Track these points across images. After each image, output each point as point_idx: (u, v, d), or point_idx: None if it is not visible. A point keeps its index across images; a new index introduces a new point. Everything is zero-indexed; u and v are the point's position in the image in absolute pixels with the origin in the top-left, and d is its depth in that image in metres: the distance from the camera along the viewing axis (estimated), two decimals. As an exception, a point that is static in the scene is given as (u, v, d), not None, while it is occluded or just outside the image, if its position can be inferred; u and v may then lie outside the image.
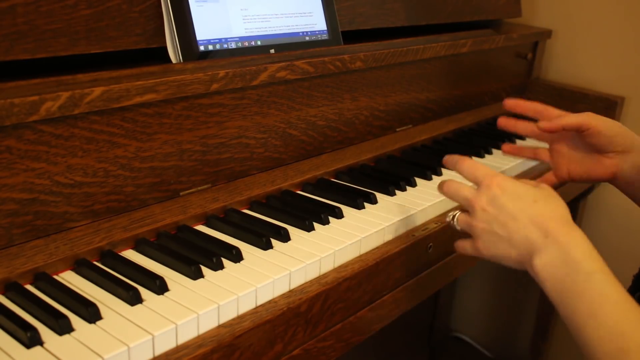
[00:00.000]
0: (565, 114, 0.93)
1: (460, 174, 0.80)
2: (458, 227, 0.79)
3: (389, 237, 0.88)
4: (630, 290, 0.92)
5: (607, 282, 0.65)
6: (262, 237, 0.79)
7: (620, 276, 0.95)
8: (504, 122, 1.00)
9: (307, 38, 1.05)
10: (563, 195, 1.22)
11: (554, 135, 0.97)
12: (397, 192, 0.99)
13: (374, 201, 0.95)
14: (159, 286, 0.68)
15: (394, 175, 1.04)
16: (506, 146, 1.05)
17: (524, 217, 0.71)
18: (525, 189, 0.73)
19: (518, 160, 1.20)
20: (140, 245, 0.77)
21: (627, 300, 0.64)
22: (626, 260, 1.07)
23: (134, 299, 0.66)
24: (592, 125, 0.89)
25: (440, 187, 0.81)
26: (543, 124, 0.92)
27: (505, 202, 0.72)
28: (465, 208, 0.78)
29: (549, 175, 0.99)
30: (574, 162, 0.95)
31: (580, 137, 0.93)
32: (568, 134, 0.95)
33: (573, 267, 0.66)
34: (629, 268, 0.93)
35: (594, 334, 0.63)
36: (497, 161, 1.19)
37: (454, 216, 0.79)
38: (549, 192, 0.75)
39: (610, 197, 1.60)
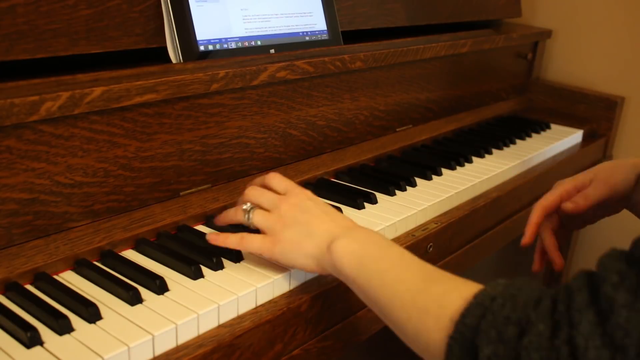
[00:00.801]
0: (586, 193, 0.90)
1: (266, 184, 0.78)
2: (252, 224, 0.74)
3: (388, 237, 0.88)
4: None
5: (406, 251, 0.67)
6: (262, 237, 0.79)
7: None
8: (539, 267, 0.98)
9: (307, 38, 1.05)
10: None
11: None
12: (397, 192, 0.99)
13: (374, 201, 0.95)
14: (159, 286, 0.68)
15: (394, 175, 1.04)
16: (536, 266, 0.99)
17: (328, 218, 0.72)
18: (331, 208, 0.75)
19: (517, 161, 1.20)
20: (140, 245, 0.77)
21: (425, 261, 0.65)
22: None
23: (134, 299, 0.66)
24: (618, 193, 0.89)
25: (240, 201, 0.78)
26: (570, 205, 0.89)
27: (311, 206, 0.73)
28: (261, 206, 0.75)
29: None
30: (600, 211, 0.94)
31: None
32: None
33: (374, 241, 0.68)
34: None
35: (395, 277, 0.63)
36: (497, 161, 1.19)
37: (249, 209, 0.75)
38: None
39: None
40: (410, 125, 1.27)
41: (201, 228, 0.84)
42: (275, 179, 0.78)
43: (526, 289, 0.54)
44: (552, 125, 1.48)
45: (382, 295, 0.63)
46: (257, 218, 0.74)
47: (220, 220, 0.79)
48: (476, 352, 0.52)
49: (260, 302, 0.71)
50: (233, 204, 0.87)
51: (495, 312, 0.52)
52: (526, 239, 0.90)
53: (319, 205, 0.74)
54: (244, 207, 0.75)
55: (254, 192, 0.76)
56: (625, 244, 0.53)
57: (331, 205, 0.90)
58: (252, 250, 0.73)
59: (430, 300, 0.59)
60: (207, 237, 0.75)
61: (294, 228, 0.71)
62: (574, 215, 0.90)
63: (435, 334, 0.57)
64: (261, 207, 0.75)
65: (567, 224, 0.94)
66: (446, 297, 0.57)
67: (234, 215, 0.76)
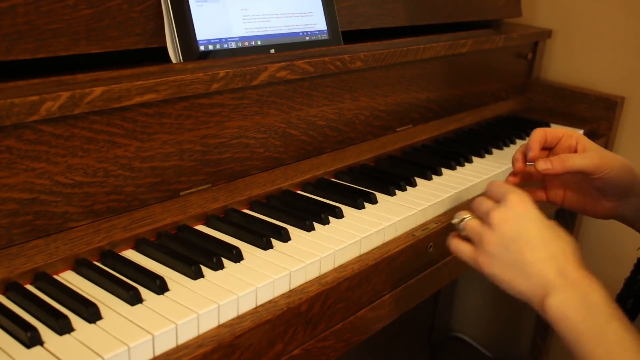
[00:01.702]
0: (571, 155, 0.84)
1: (487, 194, 0.76)
2: (463, 232, 0.75)
3: (389, 237, 0.88)
4: (621, 294, 0.91)
5: (625, 328, 0.62)
6: (262, 237, 0.79)
7: (616, 278, 0.95)
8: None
9: (307, 38, 1.05)
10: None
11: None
12: (397, 192, 0.99)
13: (374, 201, 0.95)
14: (159, 286, 0.68)
15: (394, 175, 1.04)
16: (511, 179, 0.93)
17: (544, 251, 0.67)
18: (549, 221, 0.69)
19: (518, 160, 1.20)
20: (140, 245, 0.77)
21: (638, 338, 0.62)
22: (622, 262, 1.07)
23: (134, 299, 0.66)
24: (604, 174, 0.82)
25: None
26: (543, 165, 0.83)
27: (528, 226, 0.68)
28: (478, 214, 0.74)
29: (539, 192, 0.91)
30: (571, 193, 0.89)
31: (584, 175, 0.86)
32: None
33: (593, 310, 0.63)
34: (625, 269, 0.93)
35: None
36: (497, 161, 1.19)
37: (463, 219, 0.75)
38: (563, 231, 0.71)
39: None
40: (411, 125, 1.27)
41: (201, 228, 0.84)
42: (492, 185, 0.75)
43: None
44: (552, 125, 1.48)
45: None
46: (470, 232, 0.73)
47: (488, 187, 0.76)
48: None
49: (260, 302, 0.71)
50: (233, 204, 0.88)
51: None
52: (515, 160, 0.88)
53: (537, 228, 0.69)
54: (454, 219, 0.76)
55: (492, 189, 0.75)
56: (621, 246, 0.54)
57: (331, 205, 0.91)
58: (461, 257, 0.74)
59: None
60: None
61: (504, 259, 0.68)
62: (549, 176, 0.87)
63: None
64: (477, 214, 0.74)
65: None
66: None
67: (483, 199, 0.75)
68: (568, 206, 0.90)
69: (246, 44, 0.96)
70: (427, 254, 0.91)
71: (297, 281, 0.75)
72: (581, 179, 0.87)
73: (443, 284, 1.01)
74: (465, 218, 0.75)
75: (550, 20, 1.65)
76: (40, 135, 0.70)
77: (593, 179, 0.83)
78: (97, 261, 0.74)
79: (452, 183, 1.05)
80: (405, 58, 1.16)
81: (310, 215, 0.87)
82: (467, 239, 0.75)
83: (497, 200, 0.73)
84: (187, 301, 0.66)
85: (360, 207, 0.92)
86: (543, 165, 0.83)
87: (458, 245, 0.75)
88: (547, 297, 0.65)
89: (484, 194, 0.77)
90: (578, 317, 0.63)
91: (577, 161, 0.82)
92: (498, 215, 0.70)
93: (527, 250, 0.67)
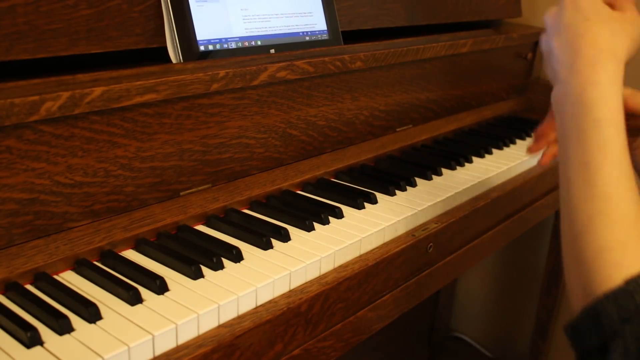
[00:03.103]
0: None
1: None
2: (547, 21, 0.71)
3: (389, 237, 0.88)
4: None
5: (613, 136, 0.58)
6: (263, 237, 0.79)
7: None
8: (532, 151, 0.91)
9: (307, 38, 1.05)
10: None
11: None
12: (397, 192, 0.99)
13: (374, 201, 0.95)
14: (159, 286, 0.68)
15: (394, 175, 1.04)
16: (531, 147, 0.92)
17: (569, 34, 0.64)
18: (594, 5, 0.66)
19: (517, 161, 1.20)
20: (140, 245, 0.77)
21: (625, 163, 0.58)
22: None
23: (134, 299, 0.66)
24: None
25: None
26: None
27: (565, 13, 0.66)
28: None
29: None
30: None
31: None
32: None
33: (583, 109, 0.59)
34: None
35: (578, 189, 0.57)
36: (497, 161, 1.19)
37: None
38: (618, 16, 0.65)
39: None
40: (410, 125, 1.27)
41: (201, 228, 0.84)
42: None
43: None
44: (552, 125, 1.48)
45: (573, 187, 0.58)
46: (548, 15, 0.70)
47: None
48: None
49: (260, 302, 0.71)
50: (233, 204, 0.88)
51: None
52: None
53: (585, 8, 0.65)
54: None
55: None
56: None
57: (331, 205, 0.91)
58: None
59: (613, 241, 0.53)
60: None
61: (554, 32, 0.66)
62: None
63: (601, 274, 0.53)
64: None
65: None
66: (625, 254, 0.52)
67: None
68: None
69: (246, 44, 0.96)
70: (427, 254, 0.91)
71: (297, 281, 0.75)
72: None
73: (443, 284, 1.01)
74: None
75: (550, 20, 1.65)
76: (40, 135, 0.70)
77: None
78: (97, 261, 0.74)
79: (452, 183, 1.05)
80: (405, 58, 1.16)
81: (310, 215, 0.87)
82: None
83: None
84: (187, 301, 0.66)
85: (360, 207, 0.92)
86: None
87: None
88: (554, 84, 0.64)
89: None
90: (567, 113, 0.61)
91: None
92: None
93: (562, 30, 0.65)
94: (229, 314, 0.67)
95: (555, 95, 0.64)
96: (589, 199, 0.57)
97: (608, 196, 0.56)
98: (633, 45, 0.65)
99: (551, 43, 0.67)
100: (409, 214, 0.92)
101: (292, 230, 0.83)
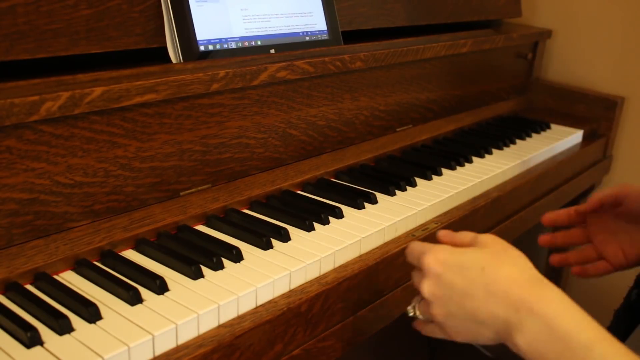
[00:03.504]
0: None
1: (408, 260, 0.71)
2: (423, 318, 0.70)
3: (389, 237, 0.88)
4: (632, 288, 0.92)
5: (611, 351, 0.56)
6: (262, 237, 0.79)
7: (620, 275, 0.95)
8: (544, 241, 0.94)
9: (307, 38, 1.05)
10: (561, 196, 1.21)
11: (593, 225, 0.91)
12: (397, 192, 0.99)
13: (374, 201, 0.95)
14: (159, 286, 0.68)
15: (394, 175, 1.04)
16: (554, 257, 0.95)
17: (479, 292, 0.62)
18: (468, 256, 0.64)
19: (517, 161, 1.20)
20: (140, 245, 0.77)
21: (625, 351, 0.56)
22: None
23: (134, 299, 0.66)
24: (628, 192, 0.84)
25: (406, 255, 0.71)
26: (580, 206, 0.88)
27: (451, 279, 0.63)
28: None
29: (601, 264, 0.91)
30: (626, 243, 0.89)
31: (618, 213, 0.88)
32: (607, 217, 0.90)
33: (566, 342, 0.56)
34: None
35: None
36: (497, 161, 1.19)
37: (414, 307, 0.70)
38: (495, 249, 0.65)
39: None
40: (410, 125, 1.27)
41: (201, 228, 0.84)
42: (406, 252, 0.71)
43: None
44: (552, 125, 1.48)
45: None
46: (424, 316, 0.69)
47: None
48: None
49: (260, 302, 0.71)
50: (233, 204, 0.88)
51: None
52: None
53: (458, 275, 0.64)
54: (409, 307, 0.71)
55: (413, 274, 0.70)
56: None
57: (331, 205, 0.91)
58: (439, 336, 0.68)
59: None
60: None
61: (456, 320, 0.64)
62: (604, 232, 0.88)
63: None
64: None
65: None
66: None
67: (412, 275, 0.71)
68: (632, 258, 0.88)
69: (246, 44, 0.96)
70: (427, 254, 0.91)
71: (297, 281, 0.75)
72: (620, 222, 0.88)
73: (443, 284, 1.01)
74: (414, 306, 0.71)
75: (550, 20, 1.65)
76: (40, 135, 0.70)
77: (625, 206, 0.86)
78: (97, 261, 0.74)
79: (452, 183, 1.05)
80: (405, 58, 1.16)
81: (310, 215, 0.87)
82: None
83: (418, 268, 0.69)
84: (187, 301, 0.66)
85: (360, 207, 0.92)
86: (579, 207, 0.87)
87: (428, 330, 0.70)
88: (513, 339, 0.60)
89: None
90: (553, 353, 0.57)
91: (596, 194, 0.86)
92: (425, 289, 0.66)
93: (465, 301, 0.63)
94: (229, 314, 0.67)
95: (520, 345, 0.59)
96: None
97: None
98: (529, 261, 0.64)
99: (453, 310, 0.64)
100: (409, 214, 0.92)
101: (292, 230, 0.83)
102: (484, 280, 0.62)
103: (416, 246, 0.69)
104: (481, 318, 0.62)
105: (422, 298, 0.68)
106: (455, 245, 0.68)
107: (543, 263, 1.70)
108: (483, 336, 0.64)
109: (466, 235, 0.69)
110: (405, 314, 0.72)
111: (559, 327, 0.57)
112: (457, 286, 0.63)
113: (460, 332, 0.65)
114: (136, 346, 0.59)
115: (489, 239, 0.66)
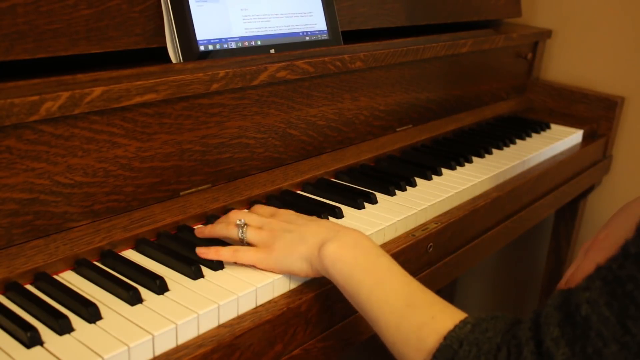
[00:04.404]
0: None
1: (216, 235, 0.77)
2: (246, 239, 0.75)
3: (389, 237, 0.88)
4: None
5: (393, 262, 0.69)
6: (262, 237, 0.79)
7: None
8: None
9: (307, 38, 1.05)
10: (561, 196, 1.21)
11: None
12: (397, 192, 0.99)
13: (374, 201, 0.95)
14: (159, 286, 0.68)
15: (394, 175, 1.04)
16: None
17: (315, 224, 0.74)
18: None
19: (517, 161, 1.20)
20: (140, 245, 0.77)
21: (410, 277, 0.68)
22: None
23: (134, 299, 0.66)
24: None
25: (201, 232, 0.78)
26: None
27: (299, 217, 0.77)
28: (254, 225, 0.76)
29: None
30: None
31: None
32: None
33: (363, 249, 0.69)
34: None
35: (381, 296, 0.65)
36: (497, 161, 1.19)
37: (243, 225, 0.75)
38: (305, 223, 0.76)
39: (611, 197, 1.60)
40: (410, 125, 1.27)
41: (201, 228, 0.84)
42: (260, 207, 0.82)
43: (491, 331, 0.58)
44: (552, 125, 1.48)
45: (369, 310, 0.66)
46: (251, 233, 0.75)
47: (207, 234, 0.78)
48: None
49: (260, 302, 0.71)
50: (233, 204, 0.88)
51: (460, 358, 0.57)
52: None
53: (306, 217, 0.77)
54: (238, 222, 0.76)
55: (240, 214, 0.78)
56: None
57: (331, 205, 0.91)
58: (247, 261, 0.74)
59: (410, 330, 0.63)
60: (197, 251, 0.74)
61: (286, 236, 0.73)
62: None
63: (424, 344, 0.61)
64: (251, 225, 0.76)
65: None
66: (424, 330, 0.62)
67: (225, 230, 0.76)
68: None
69: (246, 44, 0.96)
70: (427, 254, 0.91)
71: (298, 281, 0.75)
72: None
73: (443, 284, 1.01)
74: (243, 226, 0.76)
75: (550, 20, 1.65)
76: (40, 135, 0.70)
77: None
78: (97, 261, 0.74)
79: (452, 183, 1.05)
80: (405, 58, 1.16)
81: (310, 215, 0.86)
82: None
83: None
84: (187, 301, 0.66)
85: (360, 207, 0.92)
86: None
87: (242, 251, 0.74)
88: (322, 248, 0.70)
89: (234, 211, 0.81)
90: (350, 255, 0.69)
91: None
92: (276, 220, 0.76)
93: (303, 227, 0.74)
94: (229, 314, 0.67)
95: (329, 249, 0.70)
96: (393, 304, 0.65)
97: (405, 295, 0.65)
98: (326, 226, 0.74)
99: (294, 231, 0.74)
100: (409, 214, 0.92)
101: (292, 230, 0.83)
102: (317, 222, 0.75)
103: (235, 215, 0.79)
104: (307, 237, 0.72)
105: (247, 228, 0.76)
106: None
107: (543, 263, 1.70)
108: (297, 255, 0.72)
109: None
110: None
111: (362, 242, 0.70)
112: (299, 219, 0.76)
113: (279, 251, 0.73)
114: (136, 346, 0.59)
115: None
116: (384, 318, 0.65)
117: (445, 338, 0.59)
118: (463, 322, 0.60)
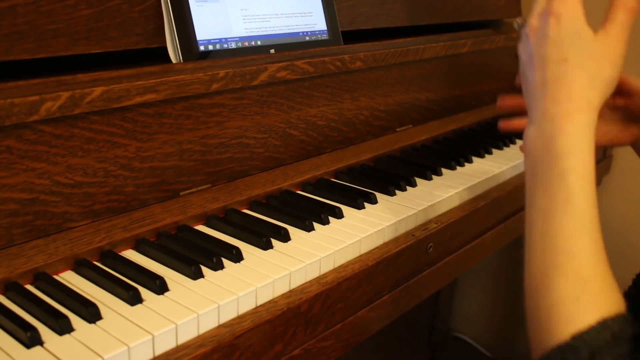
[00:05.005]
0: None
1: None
2: (521, 31, 0.70)
3: (389, 237, 0.88)
4: (630, 290, 0.91)
5: (578, 189, 0.57)
6: (262, 237, 0.79)
7: (617, 276, 0.94)
8: (504, 126, 0.91)
9: (307, 38, 1.05)
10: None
11: None
12: (397, 192, 0.99)
13: (374, 201, 0.95)
14: (159, 286, 0.68)
15: (394, 175, 1.04)
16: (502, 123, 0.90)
17: (549, 69, 0.63)
18: (584, 33, 0.65)
19: (518, 161, 1.20)
20: (140, 245, 0.77)
21: (589, 216, 0.56)
22: (626, 258, 1.07)
23: (134, 299, 0.66)
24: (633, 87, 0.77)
25: None
26: None
27: (546, 42, 0.65)
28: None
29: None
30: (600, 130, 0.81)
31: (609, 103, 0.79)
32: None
33: (552, 157, 0.59)
34: (632, 265, 0.93)
35: (539, 238, 0.57)
36: (498, 161, 1.19)
37: (521, 23, 0.71)
38: (603, 50, 0.64)
39: (611, 198, 1.60)
40: (410, 125, 1.27)
41: (201, 228, 0.84)
42: None
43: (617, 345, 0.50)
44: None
45: (535, 235, 0.57)
46: (529, 25, 0.69)
47: None
48: None
49: (260, 302, 0.71)
50: (233, 204, 0.88)
51: None
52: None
53: (557, 46, 0.64)
54: (518, 19, 0.73)
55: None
56: (623, 242, 0.53)
57: (331, 205, 0.91)
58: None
59: (566, 296, 0.53)
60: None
61: (531, 63, 0.65)
62: None
63: (553, 328, 0.54)
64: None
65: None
66: (558, 310, 0.54)
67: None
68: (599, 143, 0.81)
69: (246, 44, 0.96)
70: (427, 254, 0.91)
71: (297, 281, 0.75)
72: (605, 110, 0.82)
73: (443, 284, 1.01)
74: (522, 23, 0.72)
75: (550, 20, 1.64)
76: (40, 135, 0.70)
77: (624, 98, 0.80)
78: (97, 261, 0.74)
79: (452, 183, 1.05)
80: (405, 58, 1.16)
81: (310, 215, 0.87)
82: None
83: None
84: (187, 301, 0.66)
85: (360, 207, 0.92)
86: None
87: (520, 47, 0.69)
88: (532, 123, 0.63)
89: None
90: (537, 159, 0.60)
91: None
92: (534, 22, 0.68)
93: (541, 67, 0.64)
94: (229, 314, 0.67)
95: (527, 136, 0.63)
96: (547, 250, 0.56)
97: (566, 249, 0.55)
98: (607, 91, 0.64)
99: (526, 66, 0.66)
100: (409, 214, 0.92)
101: (292, 230, 0.83)
102: (560, 68, 0.63)
103: None
104: (530, 80, 0.64)
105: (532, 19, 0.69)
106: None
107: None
108: (526, 87, 0.65)
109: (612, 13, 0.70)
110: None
111: (556, 143, 0.59)
112: (544, 52, 0.65)
113: (529, 68, 0.65)
114: (136, 346, 0.59)
115: (612, 29, 0.67)
116: (548, 261, 0.55)
117: (575, 337, 0.51)
118: (603, 325, 0.51)
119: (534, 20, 0.68)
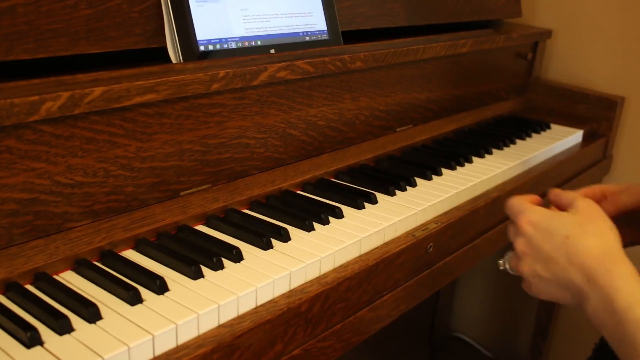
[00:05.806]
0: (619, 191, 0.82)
1: (505, 211, 0.77)
2: (512, 273, 0.77)
3: (389, 237, 0.88)
4: None
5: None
6: (263, 237, 0.79)
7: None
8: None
9: (307, 38, 1.05)
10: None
11: None
12: (397, 192, 0.99)
13: (374, 201, 0.95)
14: (159, 286, 0.68)
15: (394, 175, 1.04)
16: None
17: (561, 258, 0.67)
18: (557, 221, 0.69)
19: (518, 161, 1.20)
20: (140, 245, 0.77)
21: None
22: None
23: (134, 299, 0.66)
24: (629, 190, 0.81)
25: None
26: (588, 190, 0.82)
27: (538, 243, 0.70)
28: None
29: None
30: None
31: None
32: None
33: (620, 316, 0.61)
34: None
35: None
36: (498, 161, 1.19)
37: (505, 261, 0.78)
38: (584, 217, 0.69)
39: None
40: (410, 125, 1.27)
41: (201, 228, 0.84)
42: (505, 206, 0.76)
43: None
44: (552, 125, 1.48)
45: None
46: (513, 270, 0.76)
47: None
48: None
49: (260, 302, 0.71)
50: (233, 204, 0.88)
51: None
52: None
53: (545, 240, 0.69)
54: (500, 261, 0.79)
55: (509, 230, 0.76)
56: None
57: (331, 205, 0.91)
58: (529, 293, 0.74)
59: None
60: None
61: (541, 280, 0.70)
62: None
63: None
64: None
65: None
66: None
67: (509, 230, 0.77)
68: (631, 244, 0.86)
69: (246, 44, 0.96)
70: (427, 254, 0.91)
71: (297, 281, 0.75)
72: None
73: (443, 284, 1.01)
74: (506, 259, 0.78)
75: (550, 20, 1.65)
76: (40, 135, 0.70)
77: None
78: (97, 261, 0.74)
79: (452, 183, 1.05)
80: (405, 58, 1.16)
81: (310, 215, 0.87)
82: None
83: (512, 220, 0.75)
84: (187, 301, 0.66)
85: (360, 207, 0.92)
86: None
87: (523, 285, 0.75)
88: (584, 306, 0.66)
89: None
90: (610, 325, 0.62)
91: (622, 202, 0.81)
92: (518, 245, 0.73)
93: (549, 265, 0.69)
94: (229, 314, 0.67)
95: (591, 313, 0.65)
96: None
97: None
98: (616, 234, 0.68)
99: (539, 270, 0.70)
100: (409, 214, 0.92)
101: (292, 230, 0.83)
102: (566, 249, 0.67)
103: (515, 202, 0.74)
104: (562, 283, 0.68)
105: (514, 252, 0.74)
106: (557, 203, 0.75)
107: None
108: (563, 299, 0.69)
109: (567, 196, 0.74)
110: (497, 266, 0.80)
111: (617, 302, 0.62)
112: (543, 250, 0.69)
113: (543, 292, 0.71)
114: (136, 346, 0.59)
115: (583, 205, 0.71)
116: None
117: None
118: None
119: (516, 249, 0.74)
